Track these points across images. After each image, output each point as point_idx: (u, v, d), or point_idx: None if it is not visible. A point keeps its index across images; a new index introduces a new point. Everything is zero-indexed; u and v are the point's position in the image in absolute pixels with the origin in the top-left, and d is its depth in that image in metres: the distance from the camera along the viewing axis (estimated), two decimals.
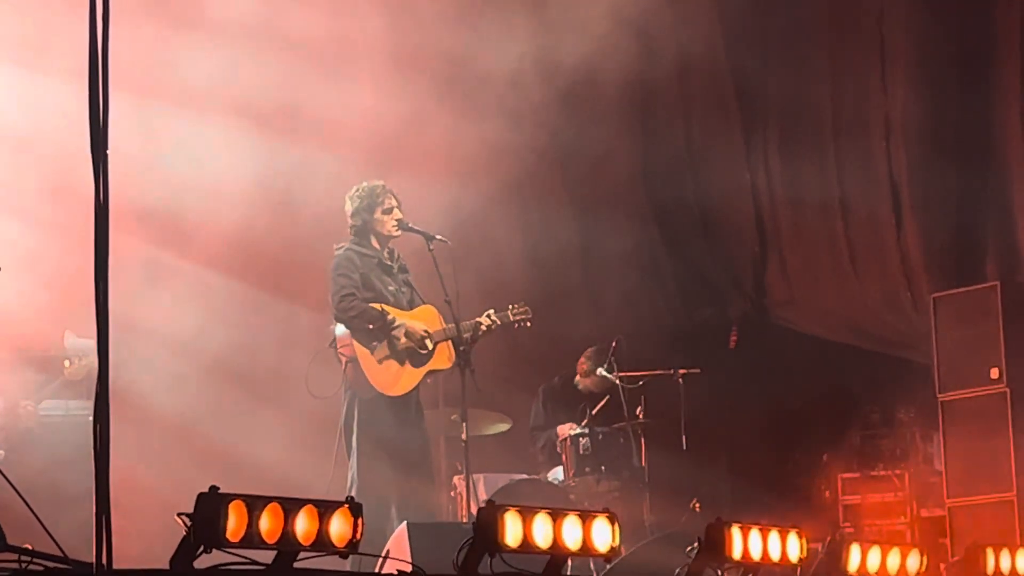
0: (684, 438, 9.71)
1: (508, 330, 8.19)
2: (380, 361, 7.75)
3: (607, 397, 9.48)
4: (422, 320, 7.92)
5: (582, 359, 10.01)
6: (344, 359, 7.79)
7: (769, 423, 10.83)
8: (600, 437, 9.20)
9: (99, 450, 3.61)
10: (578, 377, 10.03)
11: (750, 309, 11.35)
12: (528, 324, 8.27)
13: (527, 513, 4.41)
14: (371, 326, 7.72)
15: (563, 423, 9.61)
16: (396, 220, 7.92)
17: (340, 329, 7.80)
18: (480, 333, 7.96)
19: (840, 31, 10.25)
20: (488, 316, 8.05)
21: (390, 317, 7.75)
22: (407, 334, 7.80)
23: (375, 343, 7.75)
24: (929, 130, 9.99)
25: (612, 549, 4.66)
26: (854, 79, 10.19)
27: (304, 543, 4.03)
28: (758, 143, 10.74)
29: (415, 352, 7.84)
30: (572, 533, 4.54)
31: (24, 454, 8.23)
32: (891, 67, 10.01)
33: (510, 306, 8.24)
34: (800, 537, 5.35)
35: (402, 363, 7.81)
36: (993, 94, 9.81)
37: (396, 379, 7.80)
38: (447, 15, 10.10)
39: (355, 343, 7.73)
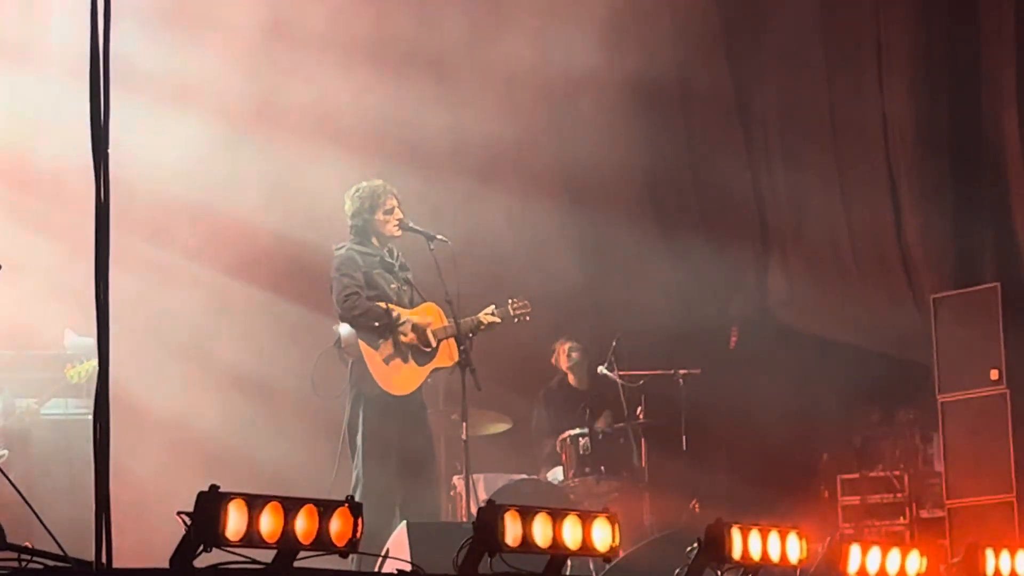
0: (684, 438, 9.71)
1: (508, 325, 8.18)
2: (386, 360, 7.71)
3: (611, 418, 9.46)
4: (425, 317, 7.90)
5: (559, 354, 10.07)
6: (349, 359, 7.76)
7: (769, 423, 10.81)
8: (600, 437, 9.20)
9: (99, 449, 3.61)
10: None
11: (751, 309, 11.35)
12: (527, 318, 8.26)
13: (527, 513, 4.41)
14: (376, 324, 7.67)
15: (566, 426, 9.55)
16: (397, 220, 7.89)
17: (344, 329, 7.75)
18: (481, 329, 7.96)
19: (837, 32, 10.26)
20: (489, 313, 8.05)
21: (395, 314, 7.71)
22: (414, 328, 7.76)
23: (380, 341, 7.70)
24: (927, 131, 10.00)
25: (612, 549, 4.66)
26: (852, 80, 10.20)
27: (304, 542, 4.02)
28: (759, 143, 10.74)
29: (419, 350, 7.81)
30: (572, 533, 4.53)
31: (24, 453, 8.24)
32: (888, 68, 10.02)
33: (510, 301, 8.22)
34: (800, 538, 5.34)
35: (407, 361, 7.77)
36: (990, 94, 9.82)
37: (402, 378, 7.76)
38: (447, 11, 10.11)
39: (360, 342, 7.68)
